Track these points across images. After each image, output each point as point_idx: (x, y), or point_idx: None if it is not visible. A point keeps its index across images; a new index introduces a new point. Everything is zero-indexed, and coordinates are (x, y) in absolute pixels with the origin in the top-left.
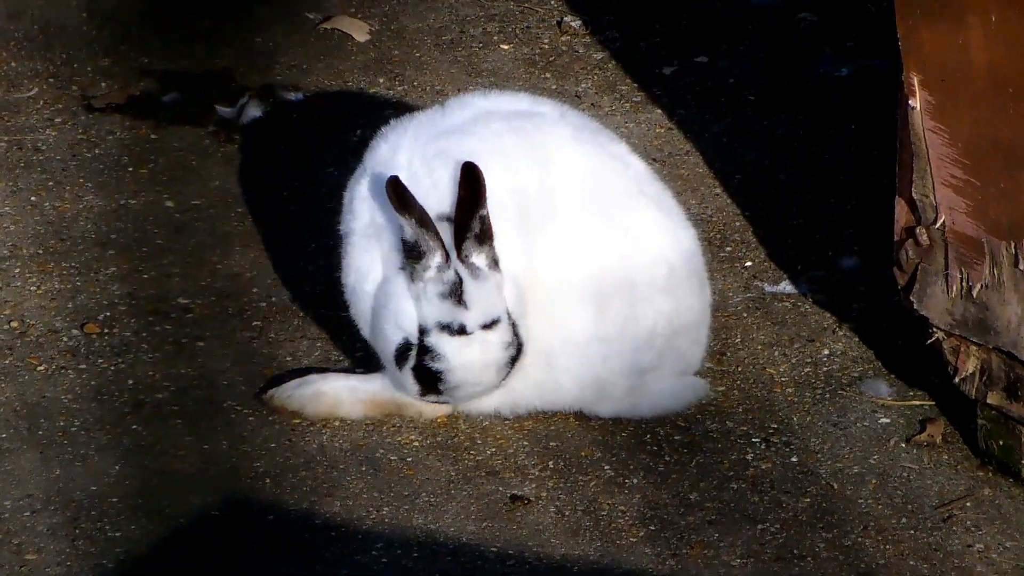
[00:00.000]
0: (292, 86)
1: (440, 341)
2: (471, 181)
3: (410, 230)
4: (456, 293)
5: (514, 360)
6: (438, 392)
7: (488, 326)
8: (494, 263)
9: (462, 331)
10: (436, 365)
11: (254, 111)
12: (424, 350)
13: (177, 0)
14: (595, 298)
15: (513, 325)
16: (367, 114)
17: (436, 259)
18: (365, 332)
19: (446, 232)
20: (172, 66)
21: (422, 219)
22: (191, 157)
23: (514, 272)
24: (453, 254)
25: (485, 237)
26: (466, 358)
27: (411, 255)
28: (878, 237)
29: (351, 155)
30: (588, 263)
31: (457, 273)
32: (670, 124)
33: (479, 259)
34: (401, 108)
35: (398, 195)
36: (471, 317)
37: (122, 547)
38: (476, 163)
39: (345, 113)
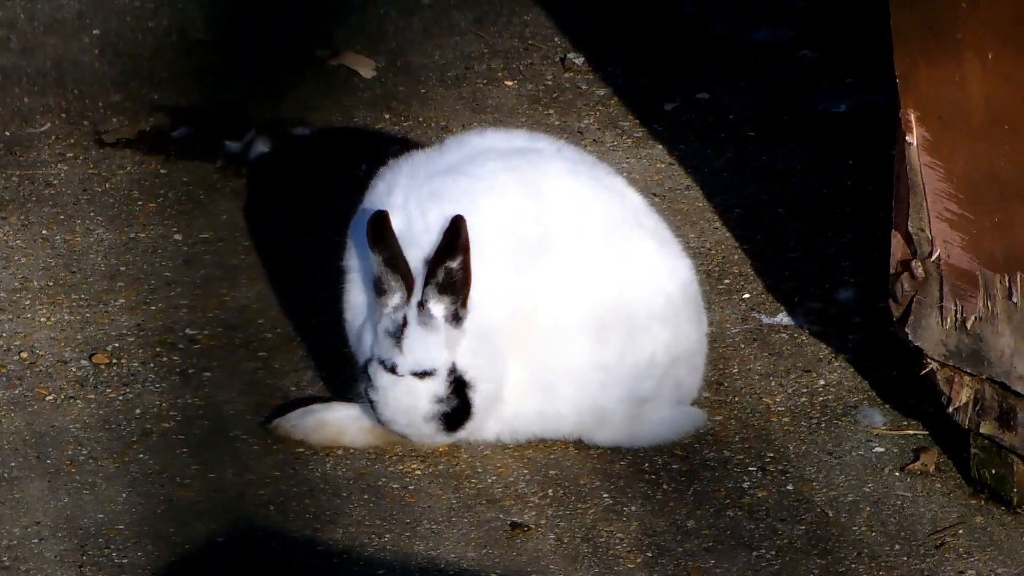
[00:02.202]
0: (299, 121)
1: (376, 373)
2: (450, 233)
3: (376, 267)
4: (396, 335)
5: (451, 417)
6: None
7: (420, 375)
8: (454, 318)
9: (393, 370)
10: (371, 394)
11: (262, 146)
12: (368, 376)
13: (187, 37)
14: (594, 328)
15: (457, 382)
16: (373, 149)
17: (394, 300)
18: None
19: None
20: (182, 102)
21: (391, 260)
22: (200, 191)
23: (490, 323)
24: (416, 297)
25: (449, 289)
26: (390, 396)
27: (376, 290)
28: (874, 270)
29: (357, 189)
30: (587, 294)
31: (404, 317)
32: (671, 159)
33: (436, 308)
34: (406, 144)
35: (375, 231)
36: (403, 361)
37: (129, 574)
38: (467, 212)
39: (351, 148)
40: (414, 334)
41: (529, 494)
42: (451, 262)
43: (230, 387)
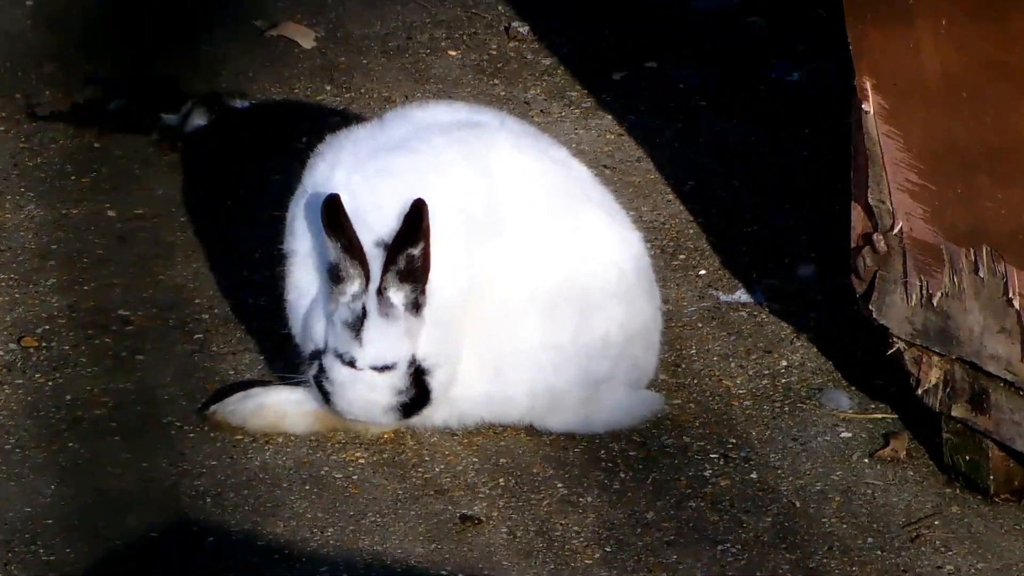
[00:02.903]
0: (237, 93)
1: (332, 366)
2: (411, 219)
3: (334, 253)
4: (355, 327)
5: (409, 406)
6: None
7: (380, 368)
8: (414, 306)
9: (352, 364)
10: (325, 385)
11: (199, 119)
12: (321, 367)
13: (123, 7)
14: (545, 306)
15: (417, 372)
16: (313, 121)
17: (353, 288)
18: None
19: (379, 259)
20: (117, 73)
21: (348, 246)
22: (134, 165)
23: (446, 306)
24: (374, 284)
25: (410, 277)
26: (349, 391)
27: (331, 277)
28: (835, 243)
29: (297, 163)
30: (536, 270)
31: (364, 307)
32: (620, 130)
33: (397, 297)
34: (348, 116)
35: (330, 217)
36: (362, 355)
37: (57, 571)
38: (416, 191)
39: (291, 121)
40: (374, 326)
41: (479, 484)
42: (412, 249)
43: (165, 371)
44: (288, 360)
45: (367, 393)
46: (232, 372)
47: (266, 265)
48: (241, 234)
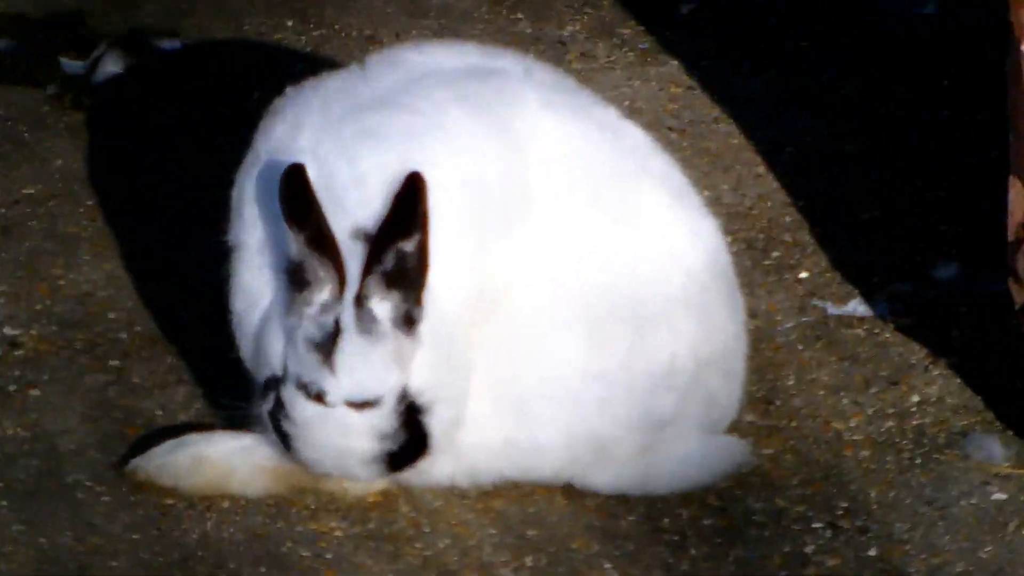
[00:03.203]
0: (165, 31)
1: (294, 400)
2: (404, 200)
3: (296, 247)
4: (325, 348)
5: (398, 457)
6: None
7: (358, 405)
8: (405, 320)
9: (320, 398)
10: (284, 425)
11: (113, 66)
12: (279, 401)
13: None
14: (587, 321)
15: (409, 410)
16: (269, 70)
17: (323, 295)
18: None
19: (359, 255)
20: (2, 6)
21: (317, 238)
22: (24, 128)
23: (450, 321)
24: (351, 290)
25: (401, 281)
26: (317, 434)
27: (293, 280)
28: (985, 236)
29: (247, 126)
30: (575, 272)
31: (337, 322)
32: (691, 81)
33: (382, 308)
34: (316, 61)
35: (291, 197)
36: (335, 386)
37: None
38: (410, 164)
39: (239, 68)
40: (351, 347)
41: (498, 564)
42: (405, 243)
43: (68, 412)
44: (236, 394)
45: (341, 438)
46: (160, 412)
47: (204, 266)
48: (170, 222)
